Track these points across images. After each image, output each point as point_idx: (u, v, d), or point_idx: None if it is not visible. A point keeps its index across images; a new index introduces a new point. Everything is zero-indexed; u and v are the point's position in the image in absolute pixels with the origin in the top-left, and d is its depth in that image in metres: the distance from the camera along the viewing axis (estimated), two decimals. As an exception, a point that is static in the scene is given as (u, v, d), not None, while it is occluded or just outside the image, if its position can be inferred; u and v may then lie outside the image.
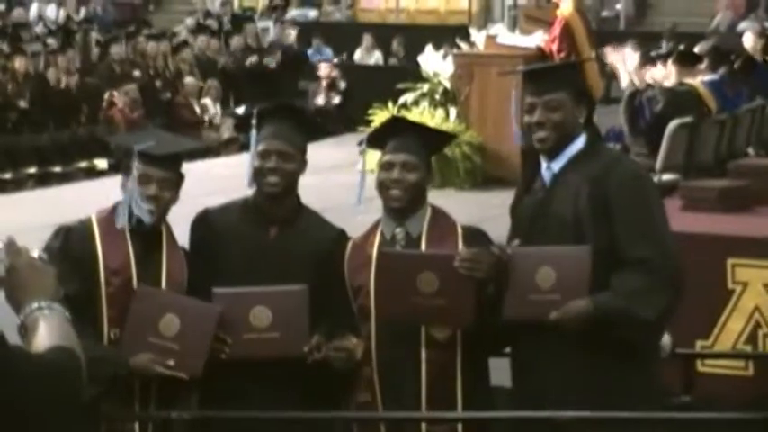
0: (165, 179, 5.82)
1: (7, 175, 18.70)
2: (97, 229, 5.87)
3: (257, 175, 5.95)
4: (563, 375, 5.60)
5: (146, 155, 5.80)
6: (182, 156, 6.00)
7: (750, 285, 7.79)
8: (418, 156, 5.94)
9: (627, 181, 5.62)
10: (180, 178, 5.92)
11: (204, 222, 6.10)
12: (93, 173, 19.44)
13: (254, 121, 6.18)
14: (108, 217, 5.89)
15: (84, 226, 5.91)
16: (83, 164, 19.96)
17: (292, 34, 26.03)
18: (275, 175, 5.90)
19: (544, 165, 5.78)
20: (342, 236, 6.12)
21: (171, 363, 5.67)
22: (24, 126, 19.62)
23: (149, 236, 5.87)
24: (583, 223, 5.59)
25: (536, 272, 5.59)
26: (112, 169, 19.24)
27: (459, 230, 5.94)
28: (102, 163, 20.03)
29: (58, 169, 19.56)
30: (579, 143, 5.73)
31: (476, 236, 5.91)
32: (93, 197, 15.42)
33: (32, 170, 19.21)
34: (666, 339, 6.10)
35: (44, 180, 19.03)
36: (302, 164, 6.03)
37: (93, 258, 5.79)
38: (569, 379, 5.59)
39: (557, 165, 5.73)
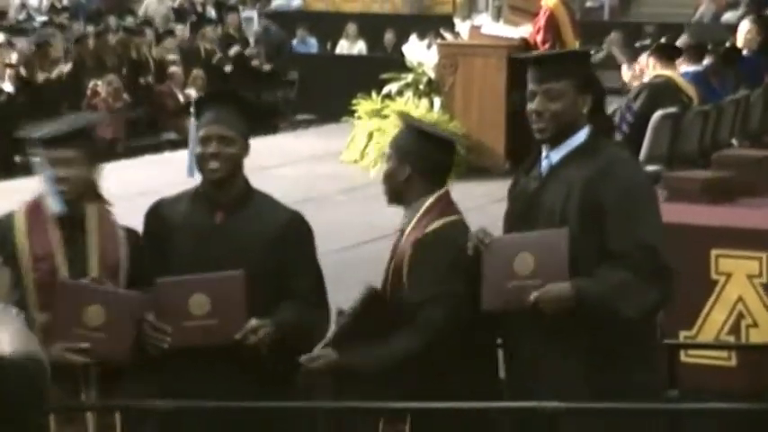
0: (69, 159, 5.82)
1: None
2: (25, 220, 5.89)
3: (199, 162, 5.95)
4: (559, 374, 5.59)
5: (44, 140, 5.88)
6: (80, 132, 5.98)
7: (733, 276, 7.78)
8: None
9: (621, 188, 5.55)
10: (92, 154, 5.93)
11: (155, 213, 6.10)
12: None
13: (192, 109, 6.18)
14: (35, 206, 5.92)
15: (9, 218, 5.95)
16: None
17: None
18: (216, 160, 5.87)
19: (544, 152, 5.74)
20: (294, 218, 6.04)
21: (92, 350, 5.70)
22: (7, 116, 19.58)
23: (76, 220, 5.88)
24: (569, 224, 5.55)
25: (513, 259, 5.55)
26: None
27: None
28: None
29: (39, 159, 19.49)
30: (581, 136, 5.68)
31: None
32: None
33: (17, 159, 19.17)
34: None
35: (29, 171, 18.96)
36: (244, 148, 5.99)
37: (18, 248, 5.81)
38: (565, 375, 5.58)
39: (555, 155, 5.69)
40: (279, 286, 5.86)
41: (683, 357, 7.45)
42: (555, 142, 5.68)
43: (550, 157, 5.70)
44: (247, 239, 5.89)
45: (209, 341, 5.75)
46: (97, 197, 6.00)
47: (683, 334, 7.64)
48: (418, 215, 5.89)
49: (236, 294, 5.77)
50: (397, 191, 5.95)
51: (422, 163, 5.91)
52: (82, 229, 5.91)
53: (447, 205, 5.93)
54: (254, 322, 5.73)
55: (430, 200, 5.89)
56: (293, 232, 5.95)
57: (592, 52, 6.03)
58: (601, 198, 5.53)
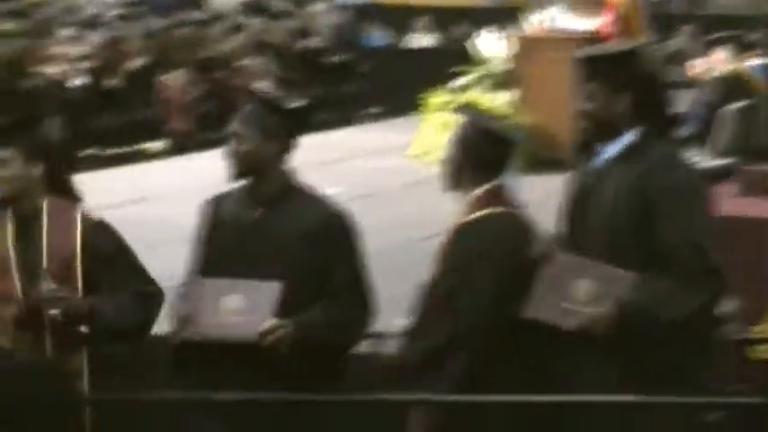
0: (5, 159, 5.95)
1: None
2: None
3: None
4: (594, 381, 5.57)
5: None
6: (14, 132, 6.10)
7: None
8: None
9: (669, 187, 5.50)
10: (32, 152, 6.02)
11: (206, 207, 6.17)
12: (146, 155, 19.53)
13: None
14: None
15: None
16: (139, 146, 20.07)
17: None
18: (233, 158, 5.92)
19: (597, 150, 5.74)
20: (334, 215, 5.98)
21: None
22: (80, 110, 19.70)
23: (28, 216, 6.02)
24: (619, 224, 5.53)
25: (575, 281, 5.52)
26: (171, 151, 19.39)
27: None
28: (158, 144, 20.15)
29: (115, 151, 19.67)
30: (631, 135, 5.63)
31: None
32: (153, 180, 15.63)
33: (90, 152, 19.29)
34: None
35: (101, 162, 19.11)
36: (267, 145, 5.96)
37: None
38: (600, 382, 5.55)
39: (608, 152, 5.67)
40: (318, 284, 5.85)
41: (753, 354, 7.43)
42: (601, 140, 5.66)
43: (605, 152, 5.67)
44: (284, 235, 5.90)
45: (230, 338, 5.82)
46: (61, 190, 6.13)
47: (754, 330, 7.62)
48: (466, 206, 5.90)
49: (268, 301, 5.81)
50: (451, 179, 5.97)
51: (475, 156, 5.93)
52: (34, 224, 6.03)
53: (495, 197, 5.89)
54: (271, 323, 5.75)
55: (478, 191, 5.89)
56: (332, 229, 5.90)
57: (636, 50, 5.91)
58: (648, 198, 5.49)
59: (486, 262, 5.76)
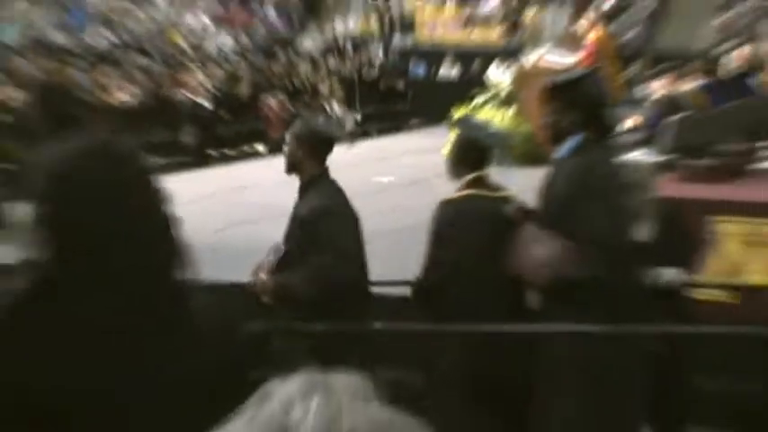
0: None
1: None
2: None
3: None
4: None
5: None
6: None
7: (730, 237, 7.68)
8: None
9: (569, 183, 5.28)
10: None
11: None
12: (255, 154, 19.56)
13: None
14: None
15: None
16: (247, 148, 20.11)
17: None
18: (284, 157, 5.86)
19: (557, 149, 5.59)
20: (318, 205, 5.71)
21: None
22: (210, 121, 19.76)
23: None
24: (553, 207, 5.37)
25: (533, 246, 5.36)
26: (270, 152, 19.38)
27: None
28: (261, 147, 20.16)
29: (232, 152, 19.74)
30: (574, 142, 5.42)
31: None
32: (254, 173, 15.72)
33: (213, 152, 19.35)
34: (674, 273, 5.91)
35: (222, 159, 19.17)
36: (297, 149, 5.83)
37: None
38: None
39: (561, 152, 5.52)
40: (304, 256, 5.66)
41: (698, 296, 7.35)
42: (557, 143, 5.51)
43: (557, 154, 5.54)
44: (294, 216, 5.80)
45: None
46: None
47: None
48: (456, 189, 5.83)
49: (270, 262, 5.74)
50: (450, 171, 5.90)
51: (460, 153, 5.87)
52: None
53: (474, 183, 5.79)
54: (258, 277, 5.68)
55: (465, 179, 5.81)
56: (313, 216, 5.69)
57: (580, 78, 5.82)
58: (560, 191, 5.34)
59: (452, 231, 5.65)
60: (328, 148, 5.93)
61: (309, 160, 5.84)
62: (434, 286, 5.69)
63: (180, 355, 2.34)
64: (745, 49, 14.04)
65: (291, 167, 5.87)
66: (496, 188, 5.87)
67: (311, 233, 5.62)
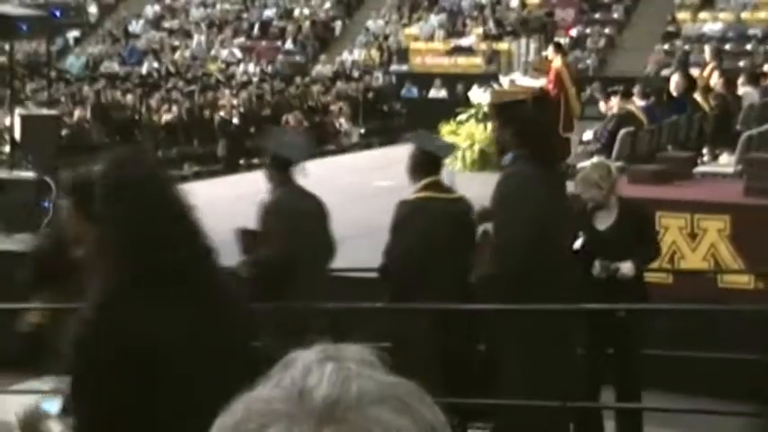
0: None
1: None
2: None
3: None
4: None
5: None
6: None
7: (670, 228, 7.67)
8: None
9: (496, 193, 5.29)
10: None
11: None
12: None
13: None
14: None
15: None
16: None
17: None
18: None
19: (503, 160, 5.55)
20: (265, 204, 5.65)
21: None
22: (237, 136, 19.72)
23: None
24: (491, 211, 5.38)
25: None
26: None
27: None
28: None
29: (255, 161, 19.66)
30: (511, 155, 5.35)
31: None
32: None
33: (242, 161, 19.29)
34: (629, 266, 5.81)
35: (249, 167, 19.10)
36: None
37: None
38: None
39: (503, 163, 5.51)
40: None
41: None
42: (502, 156, 5.49)
43: (503, 165, 5.53)
44: None
45: None
46: None
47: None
48: (413, 191, 5.74)
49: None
50: (409, 177, 5.77)
51: (416, 161, 5.73)
52: None
53: (428, 187, 5.65)
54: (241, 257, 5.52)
55: (421, 183, 5.69)
56: (260, 213, 5.62)
57: (513, 102, 5.80)
58: (492, 198, 5.32)
59: (400, 230, 5.60)
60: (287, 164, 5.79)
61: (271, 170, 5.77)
62: (392, 270, 5.61)
63: None
64: (681, 75, 14.02)
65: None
66: (449, 191, 5.80)
67: (261, 225, 5.57)
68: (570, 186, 5.97)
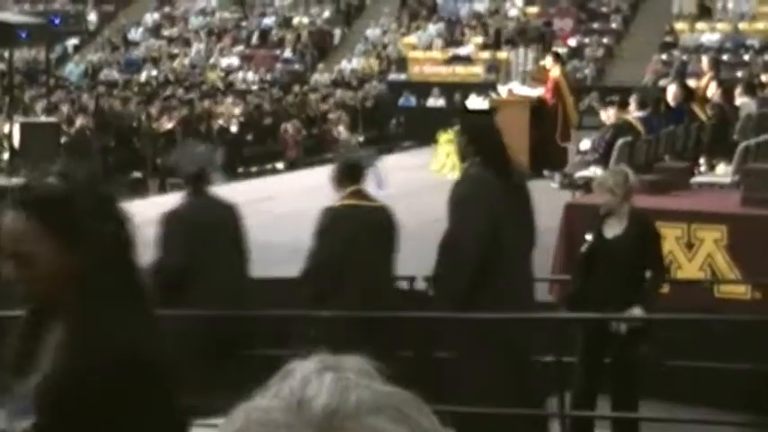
0: None
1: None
2: None
3: None
4: None
5: None
6: None
7: (667, 238, 7.67)
8: None
9: (451, 190, 5.39)
10: None
11: None
12: (274, 171, 19.54)
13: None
14: None
15: None
16: (269, 165, 20.10)
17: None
18: None
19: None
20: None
21: None
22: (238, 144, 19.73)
23: None
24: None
25: None
26: (287, 168, 19.37)
27: None
28: (279, 165, 20.14)
29: (254, 168, 19.70)
30: (469, 162, 5.51)
31: None
32: (275, 186, 15.77)
33: (240, 169, 19.30)
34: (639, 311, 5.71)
35: (247, 175, 19.15)
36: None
37: None
38: None
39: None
40: None
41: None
42: (462, 162, 5.61)
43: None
44: None
45: None
46: None
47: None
48: (337, 199, 5.87)
49: None
50: (334, 186, 5.91)
51: (341, 171, 5.85)
52: None
53: (352, 195, 5.80)
54: None
55: (344, 191, 5.83)
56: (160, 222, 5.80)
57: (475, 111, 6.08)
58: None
59: (320, 240, 5.70)
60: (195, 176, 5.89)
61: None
62: (313, 274, 5.71)
63: None
64: (678, 85, 14.05)
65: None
66: (371, 199, 5.92)
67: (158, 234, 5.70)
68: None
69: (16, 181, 11.64)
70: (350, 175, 5.82)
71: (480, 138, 5.44)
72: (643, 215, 6.07)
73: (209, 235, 5.66)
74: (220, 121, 20.02)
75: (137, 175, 18.40)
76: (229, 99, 22.14)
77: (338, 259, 5.57)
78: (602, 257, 5.75)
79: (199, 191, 5.77)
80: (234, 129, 19.91)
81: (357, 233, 5.62)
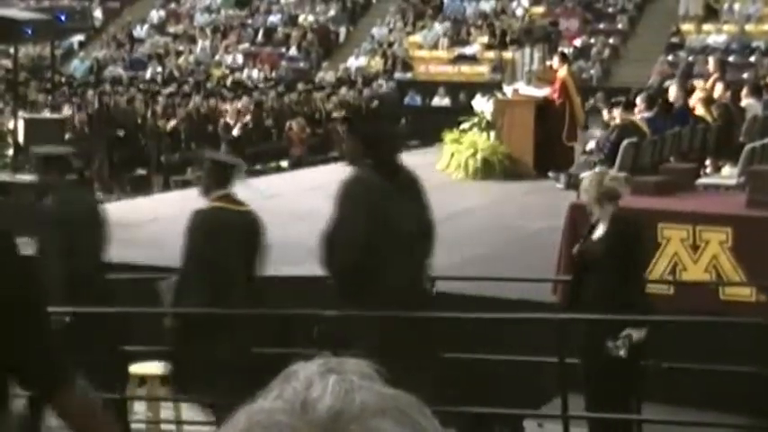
0: None
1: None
2: None
3: None
4: None
5: None
6: None
7: (672, 240, 7.66)
8: None
9: (337, 191, 5.39)
10: None
11: None
12: (279, 169, 19.54)
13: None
14: None
15: None
16: (273, 164, 20.09)
17: None
18: None
19: None
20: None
21: None
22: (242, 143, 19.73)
23: None
24: None
25: None
26: (292, 167, 19.36)
27: None
28: (284, 163, 20.14)
29: (258, 167, 19.71)
30: (358, 165, 5.54)
31: None
32: (280, 184, 15.76)
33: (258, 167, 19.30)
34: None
35: (252, 173, 19.13)
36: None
37: None
38: None
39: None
40: None
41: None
42: (351, 165, 5.63)
43: None
44: None
45: None
46: None
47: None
48: (208, 202, 6.01)
49: None
50: (203, 188, 6.09)
51: (210, 175, 6.01)
52: None
53: (221, 198, 5.94)
54: None
55: (214, 194, 5.96)
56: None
57: (358, 115, 6.11)
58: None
59: (197, 233, 5.85)
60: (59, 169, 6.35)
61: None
62: (186, 273, 5.89)
63: None
64: (683, 86, 14.05)
65: None
66: (240, 203, 6.05)
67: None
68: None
69: (21, 177, 11.66)
70: (219, 178, 5.97)
71: (368, 141, 5.53)
72: (624, 218, 5.90)
73: (67, 231, 6.11)
74: (225, 119, 20.02)
75: (141, 172, 18.42)
76: (234, 97, 22.12)
77: (211, 260, 5.78)
78: (588, 259, 5.76)
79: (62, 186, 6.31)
80: (238, 126, 19.91)
81: (225, 235, 5.82)
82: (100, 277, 6.24)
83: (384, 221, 5.28)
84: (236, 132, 19.63)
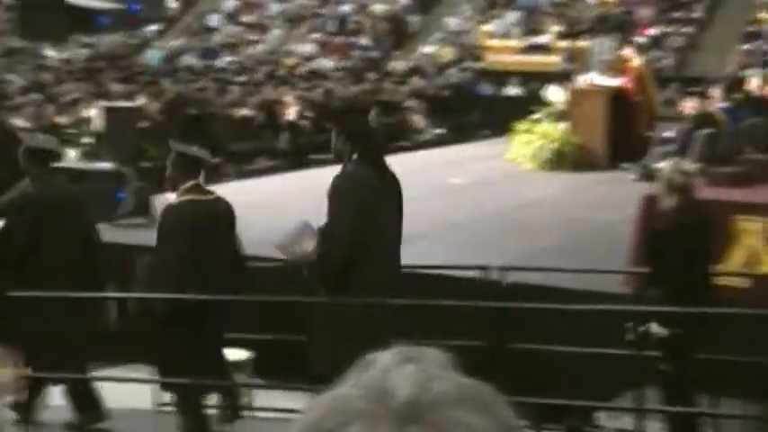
0: None
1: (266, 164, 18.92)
2: None
3: None
4: None
5: None
6: None
7: (747, 232, 7.55)
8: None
9: (329, 185, 5.42)
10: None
11: None
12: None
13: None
14: None
15: None
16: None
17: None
18: None
19: None
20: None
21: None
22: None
23: None
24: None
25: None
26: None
27: None
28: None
29: (325, 156, 19.71)
30: (346, 160, 5.54)
31: None
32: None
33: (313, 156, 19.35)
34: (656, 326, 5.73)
35: (313, 163, 19.18)
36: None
37: None
38: None
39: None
40: None
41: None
42: (339, 161, 5.62)
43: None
44: None
45: None
46: None
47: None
48: (177, 195, 6.06)
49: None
50: (168, 182, 6.19)
51: (177, 167, 6.04)
52: None
53: (191, 190, 6.00)
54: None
55: (182, 187, 6.01)
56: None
57: (344, 109, 6.14)
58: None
59: (173, 228, 5.87)
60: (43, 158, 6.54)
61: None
62: (166, 273, 5.88)
63: None
64: (762, 75, 13.77)
65: None
66: (209, 192, 6.11)
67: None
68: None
69: (100, 165, 11.88)
70: (187, 169, 6.03)
71: (356, 137, 5.56)
72: (692, 210, 5.90)
73: (50, 218, 6.39)
74: (294, 108, 20.14)
75: (214, 160, 18.56)
76: (304, 86, 22.21)
77: (189, 253, 5.81)
78: (658, 250, 5.87)
79: (46, 174, 6.51)
80: (307, 115, 20.00)
81: (200, 227, 5.86)
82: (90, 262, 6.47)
83: (371, 216, 5.36)
84: (292, 119, 19.71)
